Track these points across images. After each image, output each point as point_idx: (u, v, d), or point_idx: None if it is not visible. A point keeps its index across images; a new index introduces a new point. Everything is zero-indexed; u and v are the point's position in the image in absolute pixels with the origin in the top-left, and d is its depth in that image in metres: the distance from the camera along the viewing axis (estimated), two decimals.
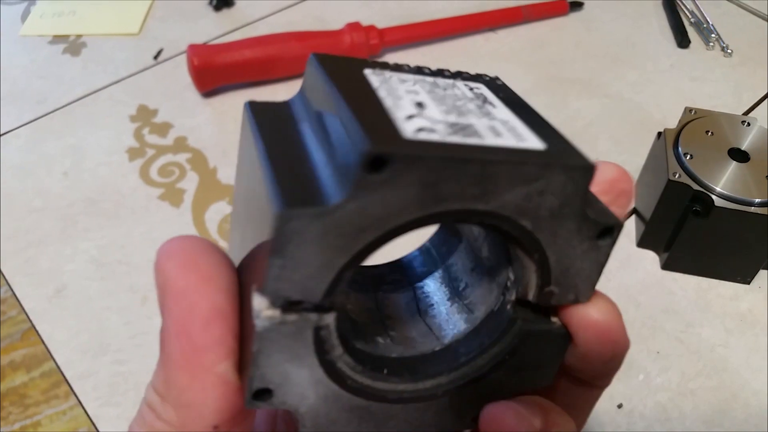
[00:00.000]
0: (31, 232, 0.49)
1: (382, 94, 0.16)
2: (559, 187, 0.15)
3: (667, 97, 0.59)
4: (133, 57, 0.63)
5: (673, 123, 0.47)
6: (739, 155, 0.44)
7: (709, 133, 0.45)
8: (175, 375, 0.15)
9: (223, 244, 0.48)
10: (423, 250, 0.22)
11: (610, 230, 0.17)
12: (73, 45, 0.65)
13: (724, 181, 0.42)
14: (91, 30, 0.67)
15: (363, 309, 0.20)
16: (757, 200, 0.41)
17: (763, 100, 0.58)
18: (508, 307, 0.18)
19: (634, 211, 0.50)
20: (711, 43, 0.64)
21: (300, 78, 0.60)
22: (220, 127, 0.57)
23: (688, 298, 0.45)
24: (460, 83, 0.18)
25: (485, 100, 0.17)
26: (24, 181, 0.53)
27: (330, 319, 0.15)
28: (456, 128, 0.15)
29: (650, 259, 0.47)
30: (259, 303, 0.15)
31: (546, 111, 0.61)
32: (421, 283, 0.21)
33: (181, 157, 0.54)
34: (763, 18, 0.67)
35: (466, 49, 0.64)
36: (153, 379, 0.16)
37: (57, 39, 0.66)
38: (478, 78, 0.19)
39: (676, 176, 0.42)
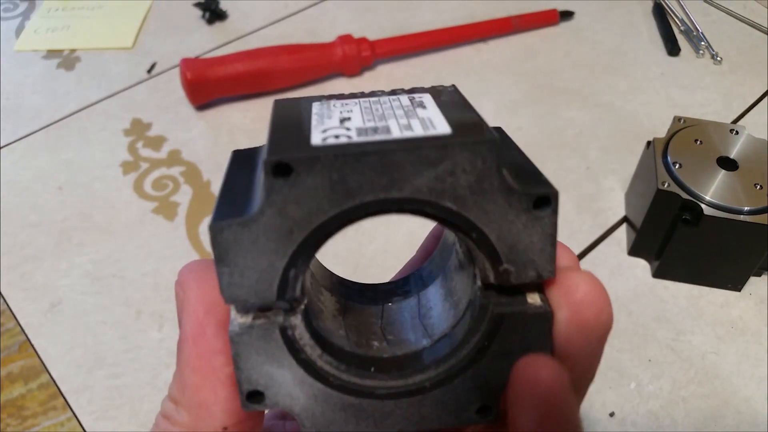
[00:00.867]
0: (26, 247, 0.49)
1: (314, 119, 0.18)
2: (468, 165, 0.16)
3: (658, 105, 0.60)
4: (127, 71, 0.64)
5: (663, 131, 0.48)
6: (727, 164, 0.44)
7: (698, 142, 0.46)
8: (189, 376, 0.17)
9: None
10: (430, 260, 0.23)
11: (546, 199, 0.17)
12: (67, 59, 0.66)
13: (713, 190, 0.42)
14: (85, 44, 0.67)
15: (365, 318, 0.21)
16: (746, 208, 0.41)
17: (751, 108, 0.59)
18: (478, 293, 0.18)
19: (625, 219, 0.50)
20: (701, 51, 0.64)
21: (293, 90, 0.60)
22: (214, 140, 0.57)
23: (680, 305, 0.45)
24: (404, 96, 0.19)
25: (419, 104, 0.18)
26: (19, 196, 0.53)
27: (297, 320, 0.17)
28: (368, 131, 0.17)
29: (641, 267, 0.47)
30: (232, 311, 0.17)
31: (537, 120, 0.61)
32: (425, 290, 0.22)
33: (175, 171, 0.55)
34: (752, 26, 0.68)
35: (457, 60, 0.64)
36: (169, 389, 0.18)
37: (51, 54, 0.66)
38: (429, 90, 0.20)
39: (665, 185, 0.43)
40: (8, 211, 0.52)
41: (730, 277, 0.45)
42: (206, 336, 0.17)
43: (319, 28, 0.68)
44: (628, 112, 0.59)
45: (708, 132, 0.47)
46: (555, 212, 0.17)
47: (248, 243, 0.16)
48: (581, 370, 0.19)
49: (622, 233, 0.50)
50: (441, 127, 0.17)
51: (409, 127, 0.17)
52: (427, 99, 0.19)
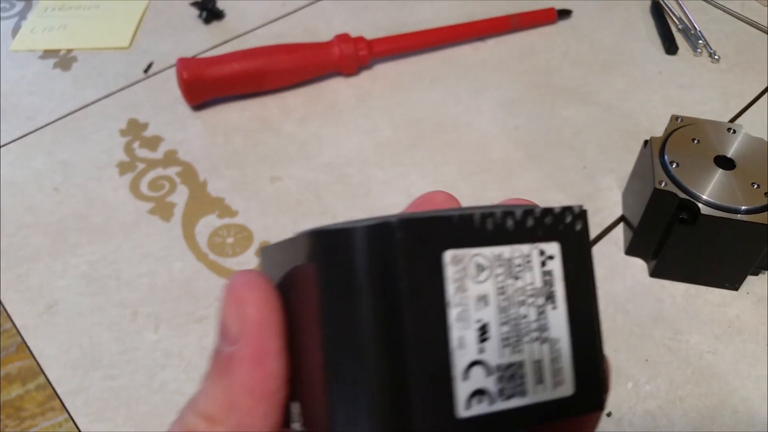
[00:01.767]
0: (22, 248, 0.49)
1: (452, 316, 0.14)
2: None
3: (655, 104, 0.59)
4: (124, 71, 0.64)
5: (660, 130, 0.47)
6: (725, 163, 0.44)
7: (695, 141, 0.46)
8: (241, 398, 0.17)
9: (212, 257, 0.48)
10: None
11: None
12: (63, 59, 0.65)
13: (711, 189, 0.42)
14: (82, 44, 0.67)
15: None
16: (743, 207, 0.41)
17: (749, 107, 0.59)
18: None
19: (623, 218, 0.50)
20: (699, 50, 0.64)
21: (290, 90, 0.60)
22: (211, 141, 0.57)
23: (677, 305, 0.45)
24: (535, 257, 0.16)
25: (549, 296, 0.16)
26: (15, 197, 0.53)
27: None
28: (505, 386, 0.15)
29: (638, 266, 0.47)
30: None
31: (534, 119, 0.61)
32: None
33: (171, 171, 0.54)
34: (750, 24, 0.68)
35: (455, 59, 0.64)
36: (197, 404, 0.18)
37: (47, 53, 0.66)
38: (554, 228, 0.16)
39: (662, 185, 0.43)
40: (4, 213, 0.52)
41: (727, 277, 0.45)
42: (266, 361, 0.17)
43: (316, 27, 0.68)
44: (626, 110, 0.59)
45: (705, 131, 0.46)
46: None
47: None
48: None
49: (619, 232, 0.49)
50: (566, 384, 0.15)
51: (540, 375, 0.15)
52: (557, 273, 0.16)
